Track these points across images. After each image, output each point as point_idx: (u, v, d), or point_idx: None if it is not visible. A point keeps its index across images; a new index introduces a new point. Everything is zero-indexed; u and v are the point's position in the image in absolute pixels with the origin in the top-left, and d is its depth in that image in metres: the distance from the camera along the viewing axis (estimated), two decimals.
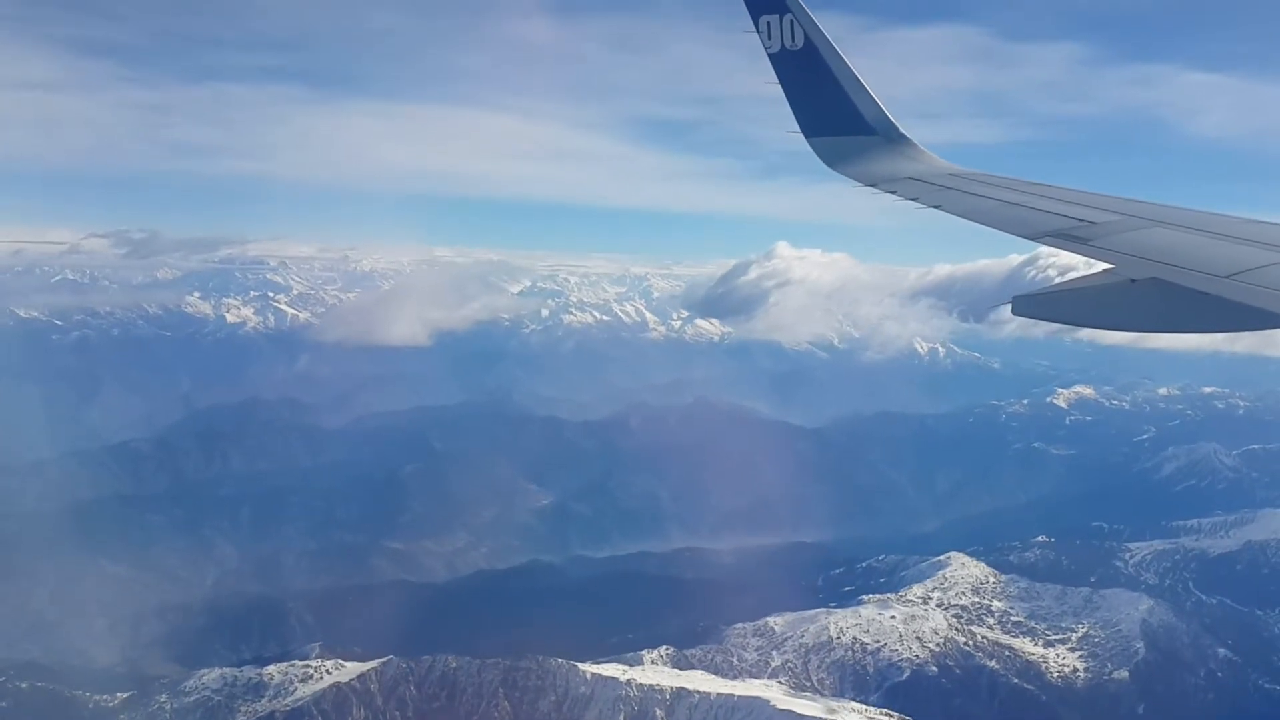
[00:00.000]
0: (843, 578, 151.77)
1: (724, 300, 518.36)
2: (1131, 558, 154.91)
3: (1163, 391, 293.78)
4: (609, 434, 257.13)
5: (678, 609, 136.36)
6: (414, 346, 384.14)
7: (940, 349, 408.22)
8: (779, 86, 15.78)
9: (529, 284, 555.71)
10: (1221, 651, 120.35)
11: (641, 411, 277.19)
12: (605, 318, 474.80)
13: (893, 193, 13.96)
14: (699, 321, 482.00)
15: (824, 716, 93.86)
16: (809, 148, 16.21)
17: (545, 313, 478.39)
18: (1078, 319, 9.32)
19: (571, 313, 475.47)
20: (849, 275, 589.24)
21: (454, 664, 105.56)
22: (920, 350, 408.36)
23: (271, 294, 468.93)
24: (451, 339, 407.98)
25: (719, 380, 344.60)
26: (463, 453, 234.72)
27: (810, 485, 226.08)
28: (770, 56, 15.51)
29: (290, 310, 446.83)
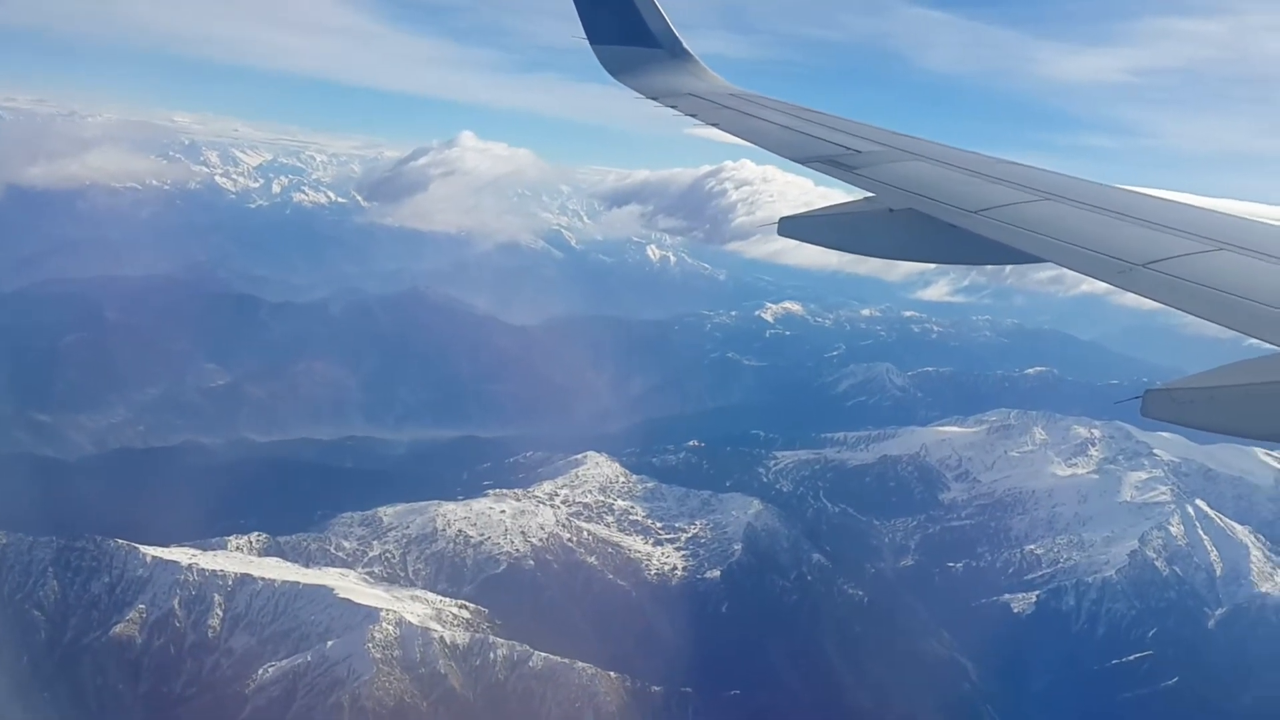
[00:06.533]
0: (487, 472, 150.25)
1: (389, 184, 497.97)
2: (775, 465, 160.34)
3: (865, 312, 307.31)
4: (307, 318, 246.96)
5: (300, 496, 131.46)
6: (119, 212, 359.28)
7: (671, 257, 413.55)
8: None
9: (270, 158, 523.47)
10: (816, 556, 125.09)
11: (348, 297, 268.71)
12: (342, 199, 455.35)
13: (673, 107, 13.97)
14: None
15: (382, 606, 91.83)
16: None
17: (277, 189, 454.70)
18: (838, 243, 9.83)
19: (305, 191, 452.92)
20: (516, 171, 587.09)
21: (2, 540, 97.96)
22: (652, 257, 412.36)
23: None
24: (165, 207, 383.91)
25: (446, 272, 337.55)
26: (138, 326, 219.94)
27: (505, 382, 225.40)
28: None
29: None
